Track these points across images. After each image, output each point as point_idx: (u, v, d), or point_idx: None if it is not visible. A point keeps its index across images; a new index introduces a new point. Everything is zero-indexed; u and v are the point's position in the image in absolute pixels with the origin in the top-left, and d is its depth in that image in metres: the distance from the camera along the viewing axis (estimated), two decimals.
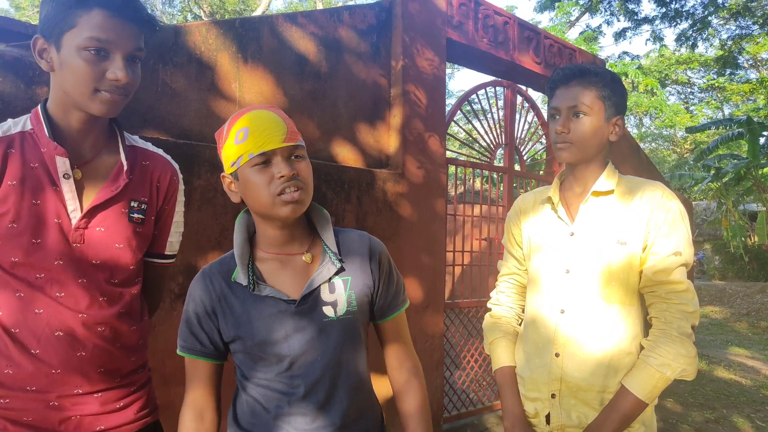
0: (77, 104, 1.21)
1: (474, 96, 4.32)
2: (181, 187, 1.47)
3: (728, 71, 17.94)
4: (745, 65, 20.36)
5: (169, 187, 1.41)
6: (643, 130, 25.55)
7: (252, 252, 1.24)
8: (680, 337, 1.43)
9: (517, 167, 4.85)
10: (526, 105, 4.75)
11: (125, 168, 1.30)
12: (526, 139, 4.75)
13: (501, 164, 4.65)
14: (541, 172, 5.26)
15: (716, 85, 20.77)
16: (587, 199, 1.58)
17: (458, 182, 4.34)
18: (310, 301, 1.21)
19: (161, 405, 2.40)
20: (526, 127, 4.74)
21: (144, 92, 2.46)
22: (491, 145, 4.47)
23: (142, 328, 1.40)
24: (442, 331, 3.82)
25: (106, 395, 1.29)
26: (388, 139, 3.57)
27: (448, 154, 4.26)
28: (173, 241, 1.47)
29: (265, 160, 1.13)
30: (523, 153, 4.75)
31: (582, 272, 1.55)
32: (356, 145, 3.37)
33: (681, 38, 13.16)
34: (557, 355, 1.56)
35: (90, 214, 1.25)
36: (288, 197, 1.13)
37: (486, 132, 4.42)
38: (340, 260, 1.24)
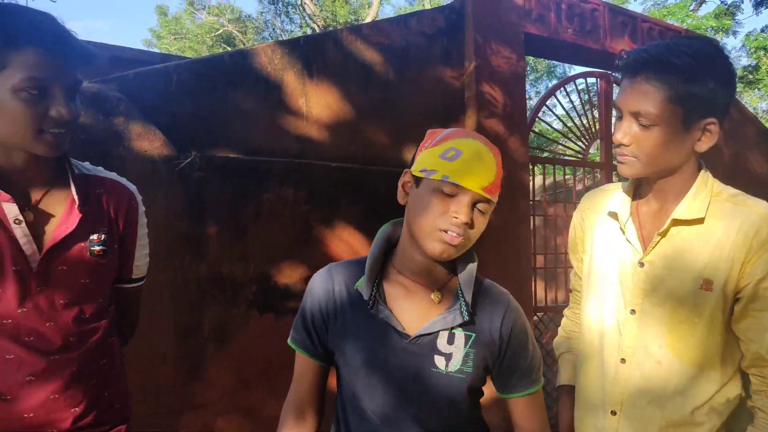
0: (19, 146, 1.16)
1: (570, 90, 4.14)
2: (141, 209, 1.41)
3: None
4: None
5: (128, 212, 1.35)
6: None
7: (384, 267, 1.18)
8: None
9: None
10: None
11: (77, 203, 1.23)
12: None
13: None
14: None
15: None
16: (666, 228, 1.24)
17: (575, 181, 4.14)
18: (424, 343, 1.11)
19: (242, 407, 2.58)
20: None
21: (216, 114, 2.66)
22: (585, 140, 4.25)
23: (114, 360, 1.36)
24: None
25: None
26: None
27: (543, 153, 4.11)
28: (140, 265, 1.43)
29: (454, 193, 1.05)
30: None
31: (651, 318, 1.26)
32: None
33: None
34: (613, 413, 1.30)
35: (49, 256, 1.21)
36: (447, 238, 1.04)
37: (579, 126, 4.21)
38: (470, 313, 1.12)
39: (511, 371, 1.17)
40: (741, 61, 16.96)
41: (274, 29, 20.61)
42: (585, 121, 4.22)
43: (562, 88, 4.18)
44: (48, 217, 1.22)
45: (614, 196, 1.39)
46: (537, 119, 4.10)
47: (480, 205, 1.06)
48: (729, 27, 13.99)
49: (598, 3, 4.16)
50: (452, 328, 1.12)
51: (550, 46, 4.03)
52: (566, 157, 4.49)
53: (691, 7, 14.99)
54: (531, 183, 3.89)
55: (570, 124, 4.23)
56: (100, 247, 1.27)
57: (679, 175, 1.25)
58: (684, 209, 1.22)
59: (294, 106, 2.88)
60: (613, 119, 4.24)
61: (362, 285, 1.13)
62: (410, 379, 1.11)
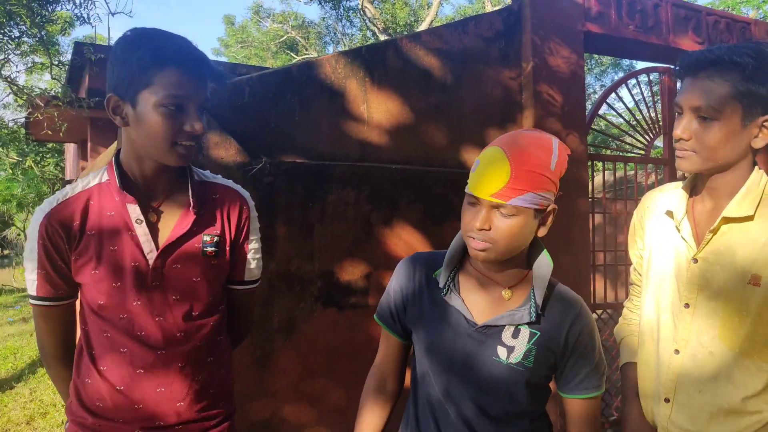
0: (153, 156, 1.27)
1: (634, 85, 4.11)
2: (254, 214, 1.48)
3: None
4: None
5: (240, 217, 1.43)
6: None
7: (463, 260, 1.28)
8: None
9: None
10: None
11: (192, 206, 1.33)
12: None
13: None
14: None
15: None
16: (717, 226, 1.30)
17: (637, 178, 4.12)
18: (489, 333, 1.20)
19: (308, 395, 2.76)
20: None
21: (284, 123, 2.85)
22: (648, 136, 4.20)
23: (221, 359, 1.43)
24: None
25: (186, 428, 1.34)
26: None
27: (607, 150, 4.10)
28: (252, 268, 1.49)
29: (473, 202, 1.14)
30: None
31: (704, 311, 1.32)
32: None
33: None
34: (667, 400, 1.38)
35: (165, 253, 1.30)
36: (473, 243, 1.14)
37: (640, 122, 4.17)
38: (539, 315, 1.19)
39: (573, 374, 1.23)
40: None
41: (335, 33, 21.06)
42: (648, 117, 4.17)
43: (624, 84, 4.15)
44: (167, 218, 1.34)
45: (672, 196, 1.45)
46: (598, 116, 4.09)
47: (502, 209, 1.11)
48: None
49: None
50: (518, 325, 1.19)
51: (610, 44, 4.01)
52: (631, 154, 4.45)
53: None
54: (591, 180, 3.89)
55: (633, 120, 4.19)
56: (213, 249, 1.36)
57: (733, 173, 1.30)
58: (734, 207, 1.27)
59: (356, 113, 3.03)
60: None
61: (440, 274, 1.25)
62: (471, 364, 1.21)
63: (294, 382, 2.75)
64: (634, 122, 4.18)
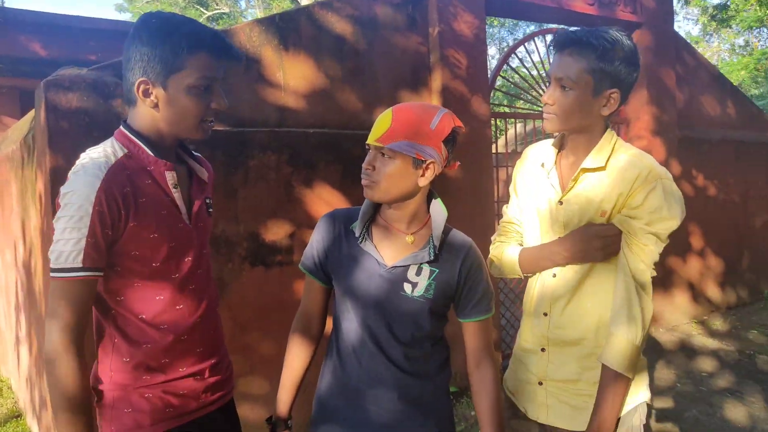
0: (180, 133, 1.37)
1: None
2: None
3: None
4: None
5: (211, 181, 1.59)
6: None
7: (375, 215, 1.50)
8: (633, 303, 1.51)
9: None
10: None
11: (206, 174, 1.50)
12: None
13: None
14: None
15: None
16: (577, 176, 1.59)
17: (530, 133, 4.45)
18: (397, 272, 1.43)
19: (240, 347, 2.97)
20: None
21: None
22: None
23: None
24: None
25: (223, 364, 1.54)
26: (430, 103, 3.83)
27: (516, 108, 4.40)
28: None
29: (367, 149, 1.39)
30: None
31: None
32: None
33: None
34: (545, 314, 1.67)
35: (196, 214, 1.44)
36: (362, 182, 1.39)
37: (538, 82, 4.52)
38: (437, 254, 1.42)
39: (467, 301, 1.49)
40: (712, 0, 17.10)
41: None
42: (545, 76, 4.53)
43: (523, 45, 4.47)
44: (181, 183, 1.43)
45: (544, 150, 1.75)
46: (500, 76, 4.39)
47: (383, 152, 1.36)
48: None
49: None
50: (420, 264, 1.44)
51: (510, 7, 4.30)
52: (531, 111, 4.82)
53: None
54: (495, 137, 4.21)
55: (533, 79, 4.53)
56: (211, 209, 1.54)
57: (589, 134, 1.58)
58: (590, 160, 1.57)
59: (273, 79, 3.16)
60: None
61: (356, 226, 1.47)
62: (384, 298, 1.44)
63: (227, 336, 2.92)
64: (533, 81, 4.53)
